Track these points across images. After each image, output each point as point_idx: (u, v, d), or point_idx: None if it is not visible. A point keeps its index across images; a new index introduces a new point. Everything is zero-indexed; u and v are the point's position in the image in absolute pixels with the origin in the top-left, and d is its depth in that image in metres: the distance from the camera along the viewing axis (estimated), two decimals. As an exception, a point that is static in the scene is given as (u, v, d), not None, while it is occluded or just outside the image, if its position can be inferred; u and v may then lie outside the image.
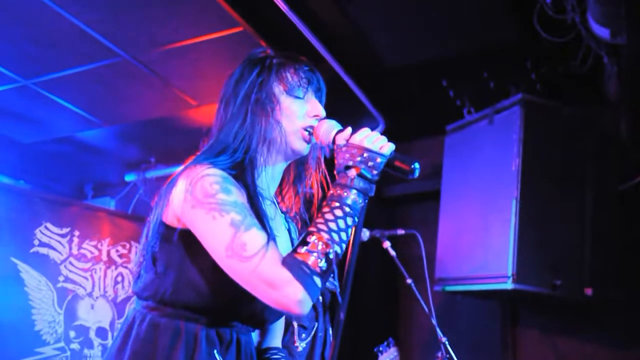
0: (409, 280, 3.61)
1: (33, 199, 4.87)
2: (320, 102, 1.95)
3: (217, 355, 1.72)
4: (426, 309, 3.52)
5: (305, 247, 1.59)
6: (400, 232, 3.78)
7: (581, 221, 4.03)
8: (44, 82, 4.49)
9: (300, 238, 1.64)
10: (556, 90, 4.21)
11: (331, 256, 1.59)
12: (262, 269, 1.54)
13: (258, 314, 1.80)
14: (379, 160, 1.69)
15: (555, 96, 4.16)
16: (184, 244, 1.71)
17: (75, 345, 4.94)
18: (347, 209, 1.64)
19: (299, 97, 1.88)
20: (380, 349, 3.92)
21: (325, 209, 1.65)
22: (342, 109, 4.90)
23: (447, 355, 3.40)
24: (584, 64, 3.68)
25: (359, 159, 1.69)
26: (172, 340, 1.69)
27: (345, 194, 1.66)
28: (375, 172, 1.68)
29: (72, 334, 4.94)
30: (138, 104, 4.78)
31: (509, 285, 3.79)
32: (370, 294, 4.99)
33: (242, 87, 1.86)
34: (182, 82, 4.45)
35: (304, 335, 3.28)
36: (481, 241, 4.07)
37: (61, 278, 4.91)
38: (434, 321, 3.50)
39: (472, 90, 4.47)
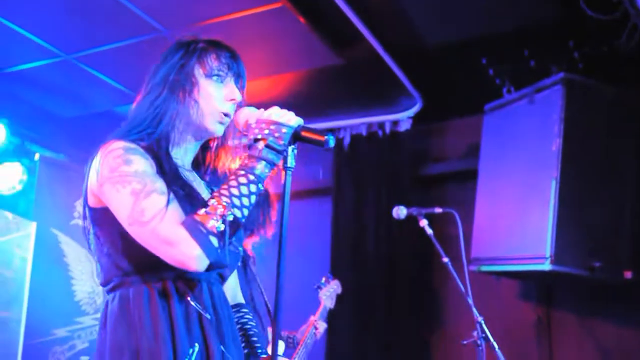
0: (445, 259, 3.60)
1: (73, 173, 4.94)
2: (240, 89, 2.02)
3: (192, 302, 1.80)
4: (462, 288, 3.51)
5: (204, 210, 1.70)
6: (438, 210, 3.76)
7: (621, 202, 3.98)
8: (85, 57, 4.54)
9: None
10: (599, 70, 4.13)
11: (229, 218, 1.69)
12: (159, 229, 1.66)
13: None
14: (284, 130, 1.79)
15: (597, 76, 4.08)
16: (114, 217, 1.79)
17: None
18: (252, 177, 1.75)
19: (217, 81, 1.96)
20: (319, 286, 4.02)
21: (231, 177, 1.77)
22: (380, 87, 4.90)
23: (483, 335, 3.39)
24: (630, 43, 3.60)
25: (266, 131, 1.79)
26: (145, 302, 1.77)
27: (252, 163, 1.77)
28: (282, 142, 1.78)
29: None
30: (176, 80, 4.80)
31: (546, 266, 3.76)
32: (406, 271, 4.98)
33: (164, 67, 1.96)
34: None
35: None
36: (519, 221, 4.04)
37: (100, 250, 4.99)
38: (470, 301, 3.48)
39: (512, 69, 4.40)
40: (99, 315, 5.06)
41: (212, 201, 1.71)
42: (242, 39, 4.22)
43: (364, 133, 5.36)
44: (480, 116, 4.64)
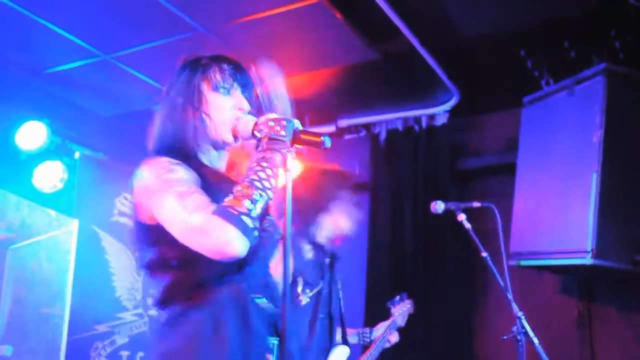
0: (484, 254, 3.56)
1: (112, 170, 5.02)
2: (248, 98, 2.12)
3: (256, 301, 1.90)
4: (502, 283, 3.47)
5: (231, 196, 1.80)
6: (477, 204, 3.72)
7: (665, 196, 3.89)
8: (123, 56, 4.60)
9: None
10: (641, 60, 4.05)
11: (256, 197, 1.79)
12: (194, 221, 1.75)
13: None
14: (284, 122, 1.90)
15: (639, 66, 4.00)
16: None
17: (153, 312, 5.10)
18: (264, 164, 1.85)
19: (224, 93, 2.08)
20: (393, 302, 4.02)
21: (247, 170, 1.88)
22: (417, 81, 4.87)
23: (523, 330, 3.35)
24: (673, 31, 3.52)
25: (266, 130, 1.91)
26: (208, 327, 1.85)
27: (261, 154, 1.88)
28: (284, 132, 1.89)
29: (149, 301, 5.10)
30: (213, 77, 4.83)
31: (588, 260, 3.70)
32: (444, 266, 4.95)
33: (172, 89, 2.10)
34: (257, 54, 4.47)
35: (307, 291, 3.43)
36: (559, 215, 3.98)
37: (140, 247, 5.06)
38: (509, 296, 3.44)
39: (552, 60, 4.34)
40: (138, 311, 5.14)
41: (237, 188, 1.82)
42: (278, 36, 4.23)
43: (400, 128, 5.33)
44: (519, 109, 4.58)
